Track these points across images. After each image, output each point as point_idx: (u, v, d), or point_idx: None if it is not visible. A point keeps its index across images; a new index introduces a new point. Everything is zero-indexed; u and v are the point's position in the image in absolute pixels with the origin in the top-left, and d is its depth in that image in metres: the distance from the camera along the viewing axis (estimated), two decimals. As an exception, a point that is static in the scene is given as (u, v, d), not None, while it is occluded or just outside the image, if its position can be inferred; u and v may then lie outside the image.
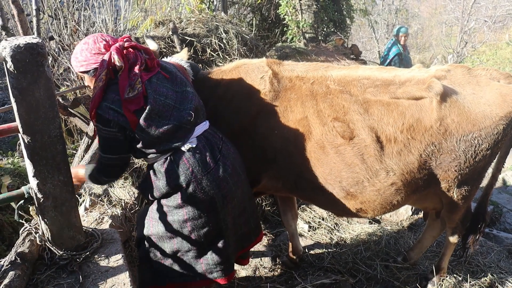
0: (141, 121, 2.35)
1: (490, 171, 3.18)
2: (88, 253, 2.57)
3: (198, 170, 2.50)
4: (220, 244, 2.72)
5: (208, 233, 2.64)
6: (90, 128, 3.65)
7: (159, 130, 2.41)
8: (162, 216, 2.61)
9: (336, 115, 2.68)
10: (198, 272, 2.73)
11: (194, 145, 2.51)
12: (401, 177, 2.72)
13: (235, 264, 3.01)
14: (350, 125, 2.66)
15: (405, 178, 2.73)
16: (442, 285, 3.56)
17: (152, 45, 3.00)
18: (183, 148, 2.49)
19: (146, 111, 2.35)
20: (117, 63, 2.29)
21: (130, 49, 2.39)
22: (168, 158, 2.52)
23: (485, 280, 3.75)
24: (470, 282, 3.63)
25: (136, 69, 2.35)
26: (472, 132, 2.61)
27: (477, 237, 3.41)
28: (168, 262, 2.70)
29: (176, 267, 2.71)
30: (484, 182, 3.24)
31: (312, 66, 2.91)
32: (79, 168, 2.78)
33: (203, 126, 2.63)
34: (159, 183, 2.53)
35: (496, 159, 3.09)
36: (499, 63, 19.71)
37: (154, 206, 2.67)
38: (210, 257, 2.71)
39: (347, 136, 2.66)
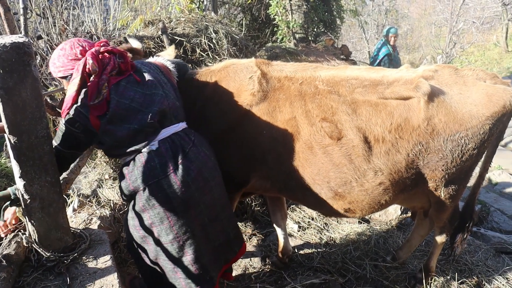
0: (103, 125, 2.39)
1: (477, 170, 3.21)
2: (76, 254, 2.55)
3: (156, 173, 2.48)
4: (190, 253, 2.62)
5: (174, 239, 2.56)
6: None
7: (120, 134, 2.44)
8: (135, 222, 2.60)
9: (324, 115, 2.69)
10: (180, 286, 2.66)
11: (154, 148, 2.51)
12: (389, 177, 2.73)
13: (220, 279, 2.98)
14: (338, 125, 2.67)
15: (393, 177, 2.74)
16: (430, 284, 3.58)
17: (135, 44, 3.05)
18: (143, 150, 2.51)
19: (107, 116, 2.38)
20: (91, 68, 2.32)
21: (106, 54, 2.44)
22: (131, 159, 2.54)
23: (473, 278, 3.78)
24: (458, 280, 3.65)
25: (105, 73, 2.38)
26: (459, 131, 2.63)
27: (465, 236, 3.43)
28: (156, 268, 2.68)
29: (162, 274, 2.68)
30: (472, 181, 3.27)
31: (301, 66, 2.92)
32: None
33: (173, 129, 2.60)
34: (123, 184, 2.58)
35: (483, 158, 3.12)
36: (487, 64, 19.90)
37: (128, 213, 2.67)
38: (184, 271, 2.63)
39: (335, 136, 2.67)
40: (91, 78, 2.34)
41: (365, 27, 19.53)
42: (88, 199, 3.68)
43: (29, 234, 2.46)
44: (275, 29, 8.89)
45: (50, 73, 5.46)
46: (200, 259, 2.66)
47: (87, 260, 2.60)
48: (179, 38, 4.49)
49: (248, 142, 2.88)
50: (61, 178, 2.84)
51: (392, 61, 8.29)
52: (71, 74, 2.39)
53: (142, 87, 2.54)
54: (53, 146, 2.41)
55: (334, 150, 2.70)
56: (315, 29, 8.99)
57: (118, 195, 3.90)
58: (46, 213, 2.39)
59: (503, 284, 3.72)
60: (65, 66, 2.41)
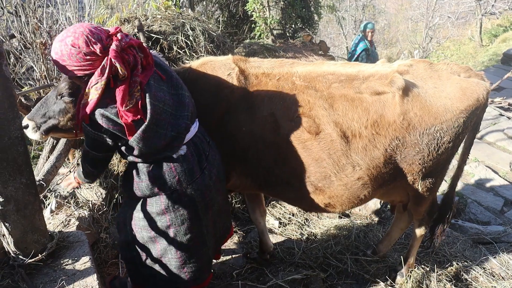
0: (139, 132, 2.18)
1: (456, 162, 3.27)
2: (41, 256, 2.49)
3: (184, 179, 2.43)
4: (201, 250, 2.72)
5: (191, 239, 2.60)
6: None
7: (158, 142, 2.28)
8: (145, 222, 2.53)
9: (302, 110, 2.69)
10: (183, 280, 2.70)
11: (183, 153, 2.42)
12: (368, 172, 2.76)
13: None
14: (316, 120, 2.68)
15: (371, 172, 2.77)
16: (410, 276, 3.63)
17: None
18: (173, 156, 2.40)
19: (145, 123, 2.17)
20: (120, 73, 2.05)
21: (129, 50, 2.13)
22: (155, 162, 2.41)
23: (452, 269, 3.84)
24: (437, 272, 3.71)
25: (136, 74, 2.14)
26: (434, 125, 2.67)
27: (445, 227, 3.49)
28: (155, 267, 2.66)
29: (162, 273, 2.67)
30: (450, 173, 3.33)
31: (278, 62, 2.92)
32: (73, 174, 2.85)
33: (193, 130, 2.52)
34: (142, 185, 2.44)
35: (461, 150, 3.18)
36: (463, 58, 20.21)
37: (137, 213, 2.55)
38: (193, 265, 2.69)
39: (313, 131, 2.67)
40: (120, 82, 2.09)
41: (343, 23, 19.63)
42: (66, 200, 3.63)
43: (3, 237, 2.41)
44: (253, 25, 8.89)
45: (24, 73, 5.38)
46: (208, 252, 2.80)
47: (66, 261, 2.56)
48: (155, 36, 4.45)
49: (228, 140, 2.87)
50: (37, 179, 2.79)
51: (370, 56, 8.35)
52: (88, 75, 2.10)
53: (168, 86, 2.38)
54: (86, 151, 2.36)
55: (313, 145, 2.71)
56: (292, 25, 9.01)
57: (97, 196, 3.86)
58: (22, 216, 2.34)
59: (480, 274, 3.80)
60: (81, 66, 2.05)
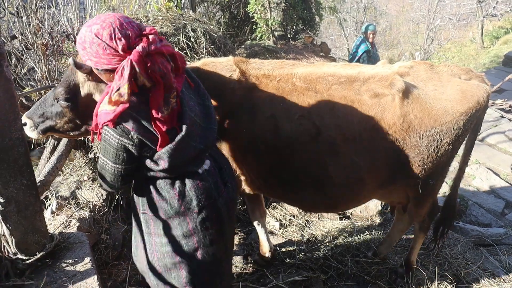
0: (174, 143, 1.96)
1: (457, 164, 3.26)
2: (39, 256, 2.49)
3: (211, 195, 2.23)
4: (226, 268, 2.57)
5: (217, 260, 2.40)
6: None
7: (187, 155, 2.07)
8: (169, 248, 2.25)
9: (302, 112, 2.69)
10: None
11: (207, 168, 2.24)
12: (367, 173, 2.76)
13: None
14: (316, 122, 2.67)
15: (372, 174, 2.77)
16: (411, 278, 3.62)
17: None
18: (198, 170, 2.20)
19: (182, 133, 1.98)
20: (139, 80, 1.81)
21: (156, 57, 1.87)
22: (178, 178, 2.16)
23: (452, 271, 3.84)
24: (438, 274, 3.71)
25: (173, 80, 1.91)
26: (434, 127, 2.66)
27: (447, 229, 3.49)
28: None
29: None
30: (451, 175, 3.32)
31: (278, 64, 2.91)
32: None
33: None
34: (166, 205, 2.16)
35: (462, 152, 3.18)
36: (464, 60, 20.22)
37: (158, 239, 2.26)
38: (220, 286, 2.51)
39: (313, 133, 2.66)
40: (155, 90, 1.86)
41: (344, 24, 19.64)
42: (67, 201, 3.63)
43: (4, 238, 2.41)
44: (254, 27, 8.89)
45: (25, 74, 5.38)
46: (230, 269, 2.68)
47: (67, 262, 2.57)
48: (157, 37, 4.44)
49: (229, 142, 2.87)
50: (38, 180, 2.79)
51: (371, 57, 8.36)
52: (104, 70, 1.89)
53: (195, 95, 2.22)
54: (103, 164, 2.04)
55: (313, 147, 2.70)
56: (294, 27, 9.02)
57: (97, 197, 3.85)
58: (22, 216, 2.35)
59: (481, 276, 3.79)
60: (98, 57, 1.83)
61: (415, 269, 3.70)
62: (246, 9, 8.87)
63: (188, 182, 2.16)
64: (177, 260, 2.26)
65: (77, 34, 5.31)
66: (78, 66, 2.06)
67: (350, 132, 2.67)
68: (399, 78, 2.65)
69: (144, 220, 2.29)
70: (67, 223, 3.24)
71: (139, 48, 1.79)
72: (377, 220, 4.83)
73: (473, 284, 3.71)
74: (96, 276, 2.50)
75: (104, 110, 1.83)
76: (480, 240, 4.53)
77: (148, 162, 2.04)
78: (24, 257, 2.43)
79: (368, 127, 2.65)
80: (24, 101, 3.99)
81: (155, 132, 1.91)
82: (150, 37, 1.85)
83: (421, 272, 3.71)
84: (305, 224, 4.64)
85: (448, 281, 3.67)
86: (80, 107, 2.33)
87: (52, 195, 3.71)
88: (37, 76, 4.99)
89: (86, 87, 2.26)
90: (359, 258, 3.95)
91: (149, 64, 1.81)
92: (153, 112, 1.86)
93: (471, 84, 2.74)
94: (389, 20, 28.03)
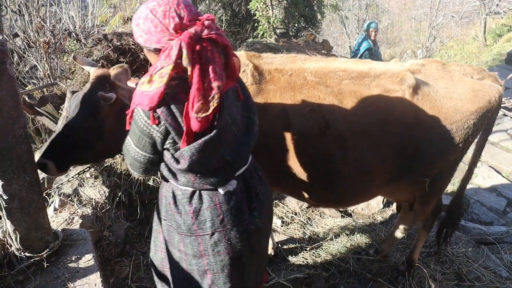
0: (201, 142, 1.81)
1: (464, 165, 3.26)
2: (44, 254, 2.50)
3: (230, 220, 2.03)
4: None
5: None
6: (58, 127, 3.57)
7: (212, 162, 1.91)
8: (182, 263, 2.16)
9: (312, 106, 2.67)
10: None
11: (231, 189, 2.03)
12: (376, 169, 2.74)
13: None
14: (326, 115, 2.65)
15: (380, 169, 2.75)
16: (413, 276, 3.63)
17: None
18: (219, 190, 2.01)
19: (211, 134, 1.83)
20: (183, 62, 1.68)
21: (207, 43, 1.75)
22: (197, 193, 2.01)
23: (454, 269, 3.84)
24: (439, 272, 3.71)
25: (213, 78, 1.74)
26: (444, 125, 2.65)
27: (451, 231, 3.50)
28: None
29: None
30: (457, 174, 3.32)
31: (290, 58, 2.90)
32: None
33: (247, 163, 2.16)
34: (180, 219, 2.04)
35: (472, 152, 3.17)
36: (466, 58, 20.17)
37: (174, 250, 2.17)
38: None
39: (323, 126, 2.64)
40: (190, 75, 1.70)
41: (346, 22, 19.64)
42: (70, 198, 3.64)
43: (9, 235, 2.42)
44: (256, 24, 8.90)
45: (27, 72, 5.40)
46: None
47: (69, 259, 2.58)
48: (159, 35, 4.45)
49: None
50: (41, 177, 2.80)
51: (373, 55, 8.34)
52: (154, 49, 1.79)
53: (242, 107, 2.06)
54: (130, 147, 1.93)
55: (323, 141, 2.68)
56: (296, 24, 9.02)
57: (100, 194, 3.87)
58: (26, 213, 2.36)
59: (482, 274, 3.80)
60: (149, 34, 1.75)
61: (416, 267, 3.70)
62: (248, 7, 8.87)
63: (205, 201, 2.01)
64: (188, 277, 2.17)
65: (80, 32, 5.34)
66: (105, 98, 2.08)
67: (360, 126, 2.65)
68: (410, 74, 2.65)
69: (164, 227, 2.19)
70: (70, 220, 3.25)
71: (191, 30, 1.70)
72: (379, 218, 4.83)
73: (475, 282, 3.71)
74: (98, 272, 2.51)
75: (141, 91, 1.73)
76: (482, 238, 4.53)
77: (169, 158, 1.90)
78: (29, 255, 2.44)
79: (377, 122, 2.63)
80: (26, 98, 4.00)
81: (182, 125, 1.78)
82: (206, 22, 1.75)
83: (423, 270, 3.72)
84: (306, 221, 4.64)
85: (449, 279, 3.68)
86: (107, 137, 2.30)
87: (55, 192, 3.72)
88: (39, 74, 5.01)
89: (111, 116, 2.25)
90: (361, 256, 3.95)
91: (197, 48, 1.70)
92: (189, 108, 1.73)
93: (483, 84, 2.74)
94: (391, 18, 27.98)
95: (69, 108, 2.30)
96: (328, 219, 4.72)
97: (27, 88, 4.63)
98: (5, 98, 2.09)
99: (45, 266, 2.47)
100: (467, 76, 2.81)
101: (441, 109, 2.65)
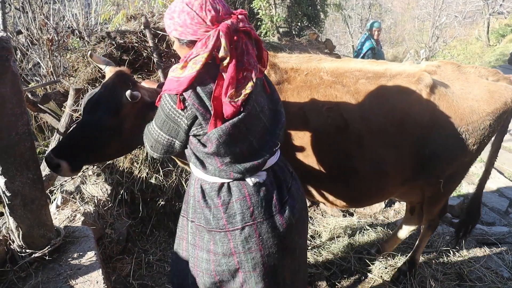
0: (228, 125, 1.79)
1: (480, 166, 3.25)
2: (46, 251, 2.50)
3: (260, 212, 1.97)
4: None
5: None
6: (61, 125, 3.58)
7: (239, 147, 1.88)
8: (209, 265, 2.07)
9: (330, 105, 2.65)
10: None
11: (261, 180, 1.99)
12: (393, 168, 2.73)
13: None
14: (344, 115, 2.63)
15: (396, 169, 2.74)
16: (414, 275, 3.63)
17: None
18: (248, 181, 1.96)
19: (239, 116, 1.80)
20: (221, 53, 1.72)
21: (242, 35, 1.81)
22: (226, 185, 1.97)
23: (455, 269, 3.84)
24: (441, 272, 3.71)
25: (247, 68, 1.79)
26: (460, 126, 2.64)
27: (471, 227, 3.55)
28: None
29: None
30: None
31: (306, 58, 2.88)
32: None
33: (275, 156, 2.11)
34: (208, 214, 2.00)
35: (489, 154, 3.19)
36: (469, 58, 20.15)
37: (201, 253, 2.09)
38: None
39: (342, 125, 2.63)
40: (225, 65, 1.74)
41: (349, 21, 19.60)
42: (72, 196, 3.65)
43: (10, 232, 2.43)
44: (259, 23, 8.88)
45: (30, 69, 5.41)
46: None
47: (71, 256, 2.58)
48: (162, 33, 4.46)
49: None
50: (43, 174, 2.81)
51: (376, 55, 8.31)
52: (189, 41, 1.83)
53: (269, 100, 2.07)
54: (150, 127, 1.97)
55: (340, 140, 2.66)
56: (298, 23, 9.02)
57: (102, 191, 3.88)
58: (28, 210, 2.36)
59: (484, 275, 3.79)
60: (184, 26, 1.79)
61: (418, 267, 3.70)
62: (251, 5, 8.86)
63: (235, 193, 1.96)
64: (216, 280, 2.08)
65: (83, 29, 5.34)
66: (133, 97, 2.08)
67: (377, 125, 2.63)
68: (427, 74, 2.64)
69: (191, 229, 2.13)
70: (72, 217, 3.26)
71: (228, 22, 1.76)
72: (381, 217, 4.83)
73: (476, 282, 3.70)
74: (100, 270, 2.51)
75: (171, 76, 1.78)
76: (483, 238, 4.52)
77: (195, 143, 1.89)
78: (31, 251, 2.45)
79: (394, 121, 2.61)
80: (30, 96, 4.01)
81: (210, 109, 1.77)
82: (240, 16, 1.83)
83: (424, 270, 3.72)
84: (308, 220, 4.64)
85: (451, 279, 3.68)
86: (125, 135, 2.28)
87: (57, 189, 3.73)
88: (42, 72, 5.02)
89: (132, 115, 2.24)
90: (362, 255, 3.95)
91: (235, 38, 1.76)
92: (221, 91, 1.75)
93: (499, 86, 2.73)
94: (394, 17, 27.95)
95: (83, 106, 2.26)
96: (330, 218, 4.72)
97: (30, 86, 4.63)
98: (8, 95, 2.09)
99: (47, 262, 2.48)
100: (482, 77, 2.80)
101: (457, 109, 2.64)
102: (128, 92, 2.07)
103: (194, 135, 1.87)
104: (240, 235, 1.97)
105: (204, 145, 1.86)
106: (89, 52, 2.37)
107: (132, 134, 2.26)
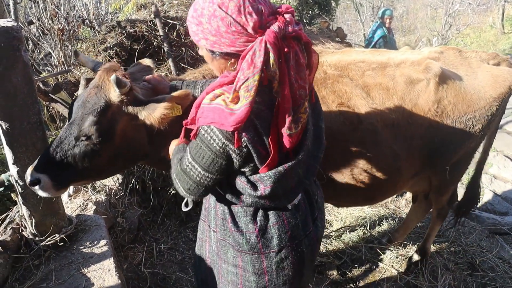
0: (285, 167, 1.55)
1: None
2: (58, 238, 2.53)
3: (297, 233, 1.80)
4: None
5: None
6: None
7: (290, 183, 1.65)
8: (235, 278, 1.88)
9: (341, 100, 2.56)
10: None
11: (297, 202, 1.79)
12: (406, 161, 2.67)
13: None
14: (356, 110, 2.55)
15: (408, 162, 2.68)
16: (425, 265, 3.61)
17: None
18: (288, 205, 1.77)
19: (299, 156, 1.59)
20: (269, 71, 1.37)
21: (292, 43, 1.42)
22: (261, 210, 1.74)
23: (467, 259, 3.82)
24: (453, 261, 3.69)
25: (299, 85, 1.45)
26: (467, 113, 2.61)
27: (469, 209, 3.52)
28: None
29: None
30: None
31: None
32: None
33: None
34: (240, 238, 1.75)
35: (487, 134, 3.12)
36: (483, 46, 19.84)
37: (225, 265, 1.90)
38: None
39: (355, 121, 2.54)
40: (279, 87, 1.42)
41: (360, 9, 19.41)
42: (84, 185, 3.68)
43: (24, 220, 2.46)
44: (270, 12, 8.80)
45: (42, 59, 5.43)
46: None
47: (84, 245, 2.61)
48: (172, 22, 4.44)
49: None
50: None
51: (387, 43, 8.23)
52: (225, 53, 1.47)
53: (312, 111, 1.74)
54: (187, 166, 1.59)
55: (354, 136, 2.56)
56: (309, 12, 8.92)
57: (113, 181, 3.90)
58: (41, 199, 2.38)
59: (496, 264, 3.76)
60: (218, 36, 1.41)
61: (429, 256, 3.68)
62: (262, -6, 8.77)
63: (272, 217, 1.74)
64: None
65: (93, 19, 5.35)
66: (120, 84, 1.77)
67: (389, 119, 2.57)
68: (434, 62, 2.59)
69: (214, 238, 1.92)
70: (84, 206, 3.28)
71: (274, 27, 1.37)
72: (392, 206, 4.81)
73: (488, 272, 3.68)
74: (112, 258, 2.54)
75: (219, 107, 1.42)
76: (496, 228, 4.49)
77: (243, 182, 1.61)
78: (43, 238, 2.48)
79: (404, 114, 2.57)
80: (41, 85, 4.03)
81: (268, 146, 1.49)
82: (286, 16, 1.42)
83: (436, 259, 3.70)
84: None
85: (462, 268, 3.66)
86: (116, 141, 1.97)
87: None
88: (54, 61, 5.04)
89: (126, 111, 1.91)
90: (373, 245, 3.94)
91: (286, 50, 1.39)
92: (277, 122, 1.46)
93: (502, 70, 2.70)
94: (406, 5, 27.57)
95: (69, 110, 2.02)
96: (341, 208, 4.71)
97: (41, 75, 4.66)
98: (20, 84, 2.10)
99: (59, 250, 2.51)
100: (484, 62, 2.76)
101: (465, 96, 2.61)
102: (113, 76, 1.76)
103: (241, 173, 1.61)
104: (276, 256, 1.79)
105: (255, 187, 1.60)
106: (74, 51, 2.21)
107: (125, 139, 1.98)
